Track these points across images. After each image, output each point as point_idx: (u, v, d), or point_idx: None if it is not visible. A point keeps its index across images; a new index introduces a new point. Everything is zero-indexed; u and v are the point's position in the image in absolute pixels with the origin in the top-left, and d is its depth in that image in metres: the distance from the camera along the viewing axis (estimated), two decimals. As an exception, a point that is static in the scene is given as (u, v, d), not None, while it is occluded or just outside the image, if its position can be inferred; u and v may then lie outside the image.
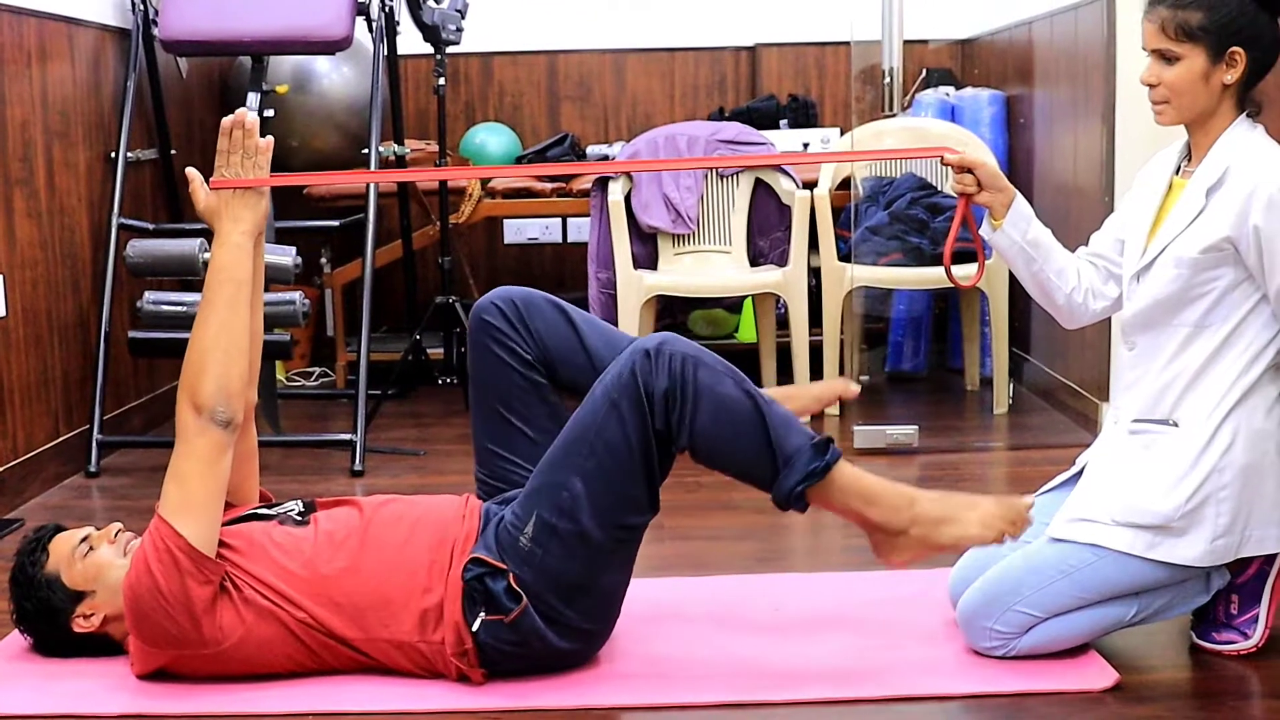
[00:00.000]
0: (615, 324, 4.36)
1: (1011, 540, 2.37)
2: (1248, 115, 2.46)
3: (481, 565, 2.37)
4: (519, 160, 5.54)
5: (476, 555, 2.38)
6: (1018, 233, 2.60)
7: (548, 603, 2.37)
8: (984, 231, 2.65)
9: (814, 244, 4.70)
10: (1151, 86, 2.46)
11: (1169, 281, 2.45)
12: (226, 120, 2.47)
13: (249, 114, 2.47)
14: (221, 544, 2.42)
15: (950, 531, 2.35)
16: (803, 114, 5.51)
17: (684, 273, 4.82)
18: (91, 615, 2.51)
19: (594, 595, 2.40)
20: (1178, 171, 2.56)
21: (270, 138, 2.50)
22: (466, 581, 2.37)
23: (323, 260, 5.51)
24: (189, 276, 4.13)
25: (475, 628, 2.37)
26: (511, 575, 2.35)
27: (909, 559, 2.39)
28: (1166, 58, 2.43)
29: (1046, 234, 2.64)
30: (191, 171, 2.49)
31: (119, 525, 2.58)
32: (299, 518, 2.53)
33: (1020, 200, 2.60)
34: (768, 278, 4.70)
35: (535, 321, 2.58)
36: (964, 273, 3.04)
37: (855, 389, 2.64)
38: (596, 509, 2.33)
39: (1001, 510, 2.35)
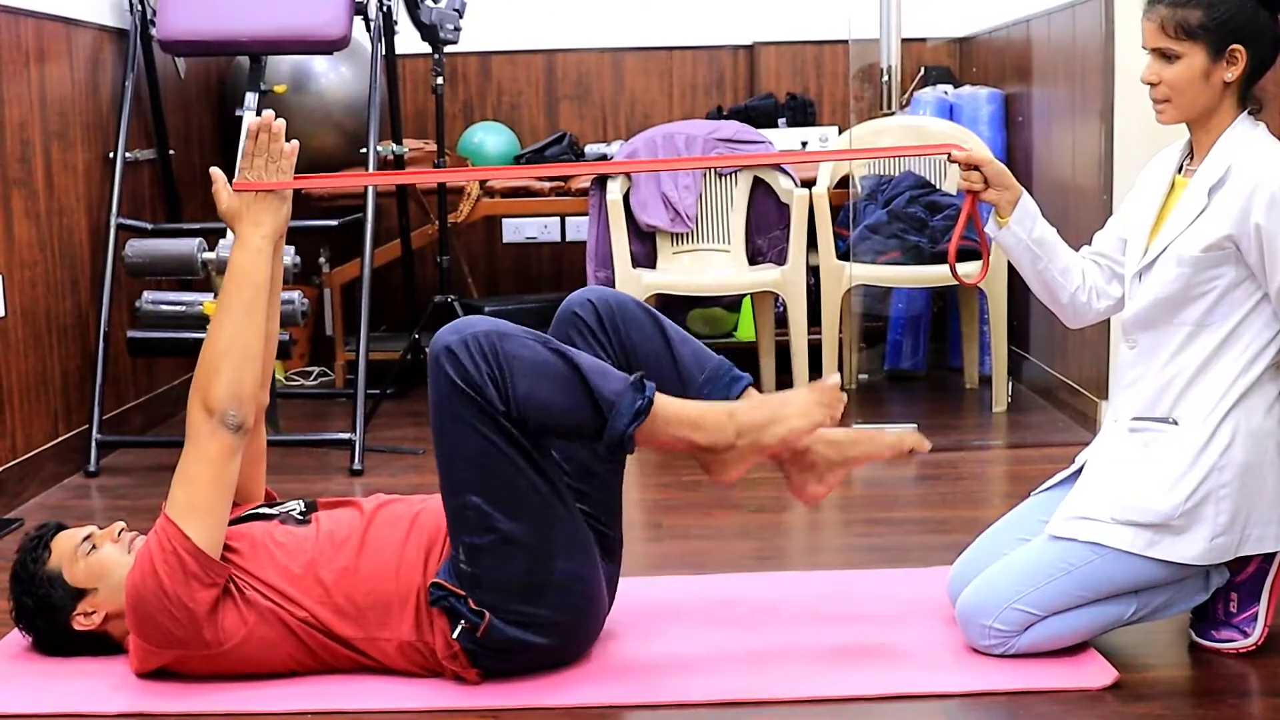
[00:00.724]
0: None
1: (833, 423, 2.41)
2: (1249, 113, 2.46)
3: (441, 590, 2.38)
4: (517, 160, 5.54)
5: (437, 580, 2.38)
6: (1024, 230, 2.60)
7: (513, 610, 2.37)
8: (989, 229, 2.65)
9: (812, 242, 4.70)
10: (1152, 85, 2.46)
11: (1170, 280, 2.45)
12: (253, 123, 2.46)
13: (275, 118, 2.47)
14: (226, 546, 2.42)
15: (775, 430, 2.38)
16: (801, 113, 5.51)
17: (682, 271, 4.83)
18: (92, 613, 2.51)
19: (553, 588, 2.39)
20: (1180, 170, 2.55)
21: (295, 142, 2.50)
22: (432, 604, 2.38)
23: (321, 260, 5.51)
24: (188, 276, 4.14)
25: (455, 635, 2.38)
26: (469, 598, 2.36)
27: (742, 469, 2.41)
28: (1167, 56, 2.43)
29: (1052, 232, 2.64)
30: (215, 171, 2.48)
31: (122, 524, 2.58)
32: (300, 517, 2.53)
33: (1026, 198, 2.60)
34: (766, 276, 4.70)
35: (628, 327, 2.54)
36: (968, 270, 3.04)
37: (927, 446, 2.56)
38: (504, 511, 2.32)
39: (816, 395, 2.40)
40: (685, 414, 2.37)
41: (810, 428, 2.41)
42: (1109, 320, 2.77)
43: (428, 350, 2.33)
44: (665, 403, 2.34)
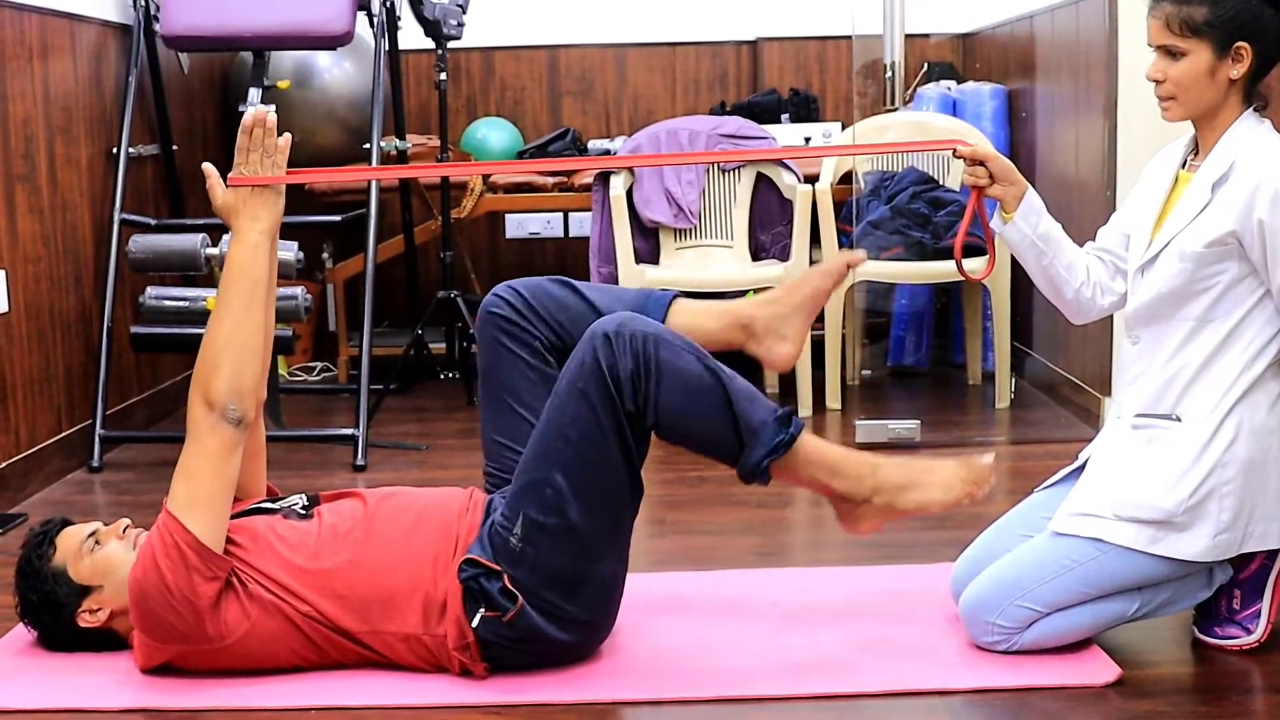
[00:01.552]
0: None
1: (973, 502, 2.41)
2: (1254, 110, 2.46)
3: (476, 566, 2.37)
4: (520, 155, 5.54)
5: (471, 556, 2.38)
6: (1029, 226, 2.60)
7: (545, 599, 2.37)
8: (994, 224, 2.65)
9: (815, 238, 4.70)
10: (1157, 83, 2.46)
11: (1173, 275, 2.45)
12: (247, 118, 2.46)
13: (269, 112, 2.47)
14: (227, 540, 2.42)
15: (913, 497, 2.39)
16: (804, 108, 5.50)
17: (685, 267, 4.82)
18: (98, 610, 2.51)
19: (591, 586, 2.41)
20: (1184, 165, 2.55)
21: (288, 135, 2.50)
22: (463, 581, 2.38)
23: (324, 255, 5.51)
24: (191, 272, 4.14)
25: (475, 624, 2.38)
26: (506, 576, 2.36)
27: (873, 527, 2.43)
28: (1172, 53, 2.43)
29: (1057, 228, 2.63)
30: (209, 167, 2.49)
31: (127, 521, 2.59)
32: (303, 511, 2.53)
33: (1032, 194, 2.60)
34: (769, 272, 4.70)
35: (545, 303, 2.57)
36: (973, 266, 3.04)
37: (861, 255, 2.63)
38: (581, 500, 2.34)
39: (964, 471, 2.41)
40: (826, 458, 2.38)
41: (948, 504, 2.41)
42: (1112, 316, 2.77)
43: (586, 332, 2.36)
44: (808, 443, 2.36)
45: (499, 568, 2.36)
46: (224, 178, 2.48)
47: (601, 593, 2.44)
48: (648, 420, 2.33)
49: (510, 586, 2.35)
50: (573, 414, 2.33)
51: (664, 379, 2.30)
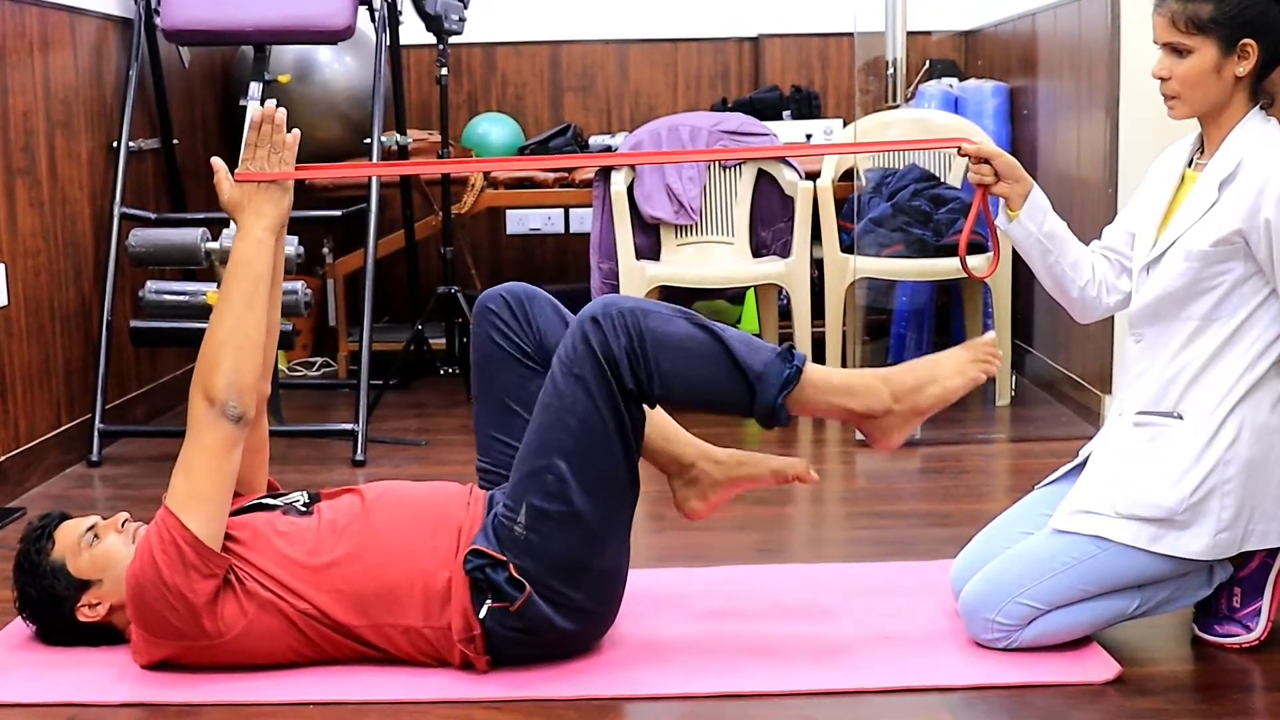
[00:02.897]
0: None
1: (989, 377, 2.44)
2: (1261, 108, 2.45)
3: (481, 557, 2.37)
4: (521, 151, 5.54)
5: (476, 547, 2.38)
6: (1034, 224, 2.59)
7: (551, 587, 2.37)
8: (999, 222, 2.64)
9: (816, 235, 4.69)
10: (1163, 80, 2.45)
11: (1179, 274, 2.45)
12: (255, 114, 2.47)
13: (278, 109, 2.47)
14: (227, 536, 2.42)
15: (932, 391, 2.42)
16: (806, 105, 5.50)
17: (686, 263, 4.82)
18: (97, 605, 2.51)
19: (595, 574, 2.41)
20: (1190, 164, 2.55)
21: (297, 131, 2.50)
22: (469, 573, 2.38)
23: (325, 250, 5.51)
24: (191, 266, 4.14)
25: (482, 615, 2.37)
26: (511, 565, 2.36)
27: (904, 434, 2.45)
28: (1178, 51, 2.42)
29: (1062, 226, 2.63)
30: (217, 162, 2.49)
31: (125, 515, 2.58)
32: (303, 508, 2.53)
33: (1037, 191, 2.59)
34: (770, 269, 4.70)
35: (537, 318, 2.59)
36: (977, 264, 3.04)
37: (814, 477, 2.61)
38: (584, 486, 2.35)
39: (970, 353, 2.45)
40: (835, 381, 2.40)
41: (967, 386, 2.44)
42: (1113, 315, 2.76)
43: (571, 322, 2.37)
44: (815, 370, 2.37)
45: (505, 558, 2.36)
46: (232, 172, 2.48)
47: (605, 582, 2.44)
48: (654, 392, 2.33)
49: (517, 575, 2.36)
50: (570, 400, 2.34)
51: (660, 348, 2.31)
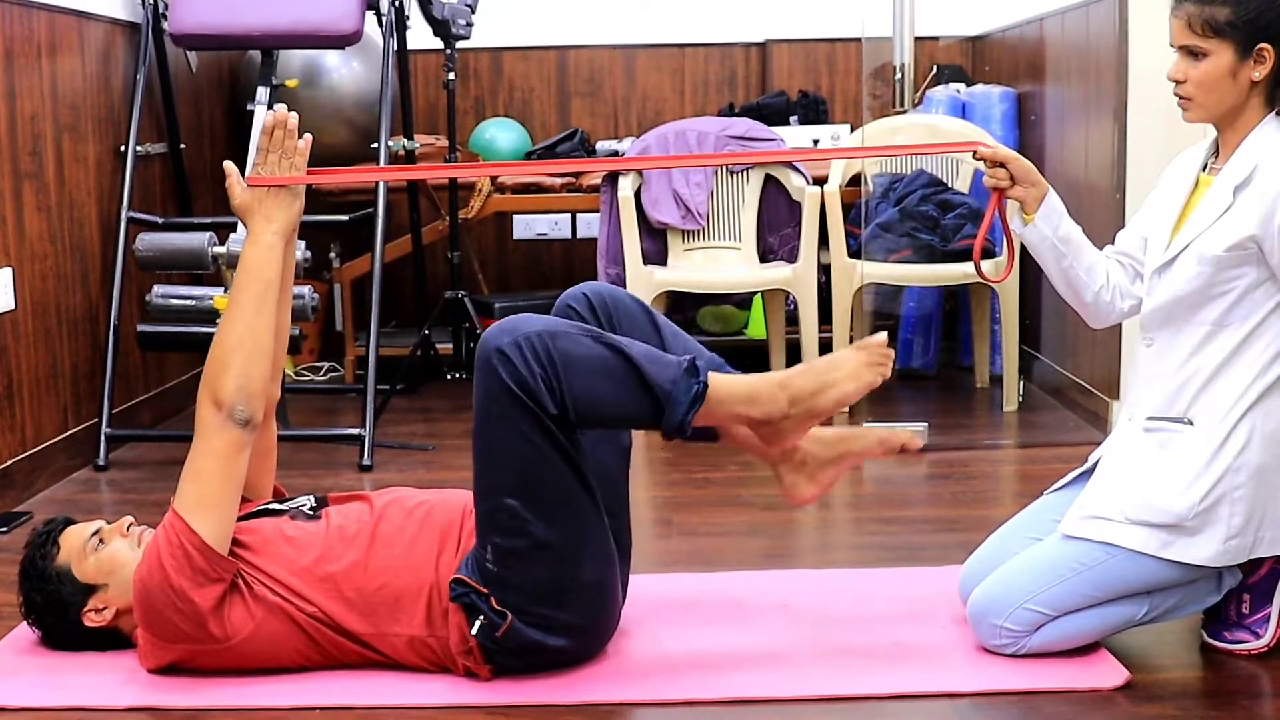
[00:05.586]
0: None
1: (885, 380, 2.44)
2: (1277, 113, 2.44)
3: (464, 586, 2.37)
4: (528, 156, 5.54)
5: (459, 576, 2.38)
6: (1049, 228, 2.58)
7: (536, 613, 2.36)
8: (1015, 226, 2.63)
9: (824, 240, 4.69)
10: (1178, 83, 2.44)
11: (1191, 278, 2.44)
12: (268, 118, 2.46)
13: (290, 114, 2.47)
14: (234, 541, 2.41)
15: (828, 395, 2.40)
16: (813, 110, 5.50)
17: (694, 269, 4.82)
18: (104, 609, 2.50)
19: (578, 592, 2.39)
20: (1204, 168, 2.54)
21: (308, 136, 2.49)
22: (453, 600, 2.38)
23: (332, 255, 5.51)
24: (198, 270, 4.14)
25: (475, 631, 2.37)
26: (492, 598, 2.36)
27: (799, 436, 2.43)
28: (1194, 54, 2.41)
29: (1077, 230, 2.62)
30: (229, 166, 2.48)
31: (130, 518, 2.58)
32: (311, 513, 2.53)
33: (1053, 195, 2.58)
34: (777, 274, 4.69)
35: (620, 318, 2.55)
36: (990, 268, 3.02)
37: (919, 442, 2.57)
38: (540, 515, 2.32)
39: (864, 356, 2.43)
40: (737, 391, 2.37)
41: (862, 390, 2.43)
42: (1122, 322, 2.76)
43: (477, 350, 2.32)
44: (718, 383, 2.35)
45: (485, 590, 2.36)
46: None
47: (592, 597, 2.42)
48: (570, 417, 2.29)
49: (497, 606, 2.35)
50: (499, 439, 2.31)
51: (569, 369, 2.27)
